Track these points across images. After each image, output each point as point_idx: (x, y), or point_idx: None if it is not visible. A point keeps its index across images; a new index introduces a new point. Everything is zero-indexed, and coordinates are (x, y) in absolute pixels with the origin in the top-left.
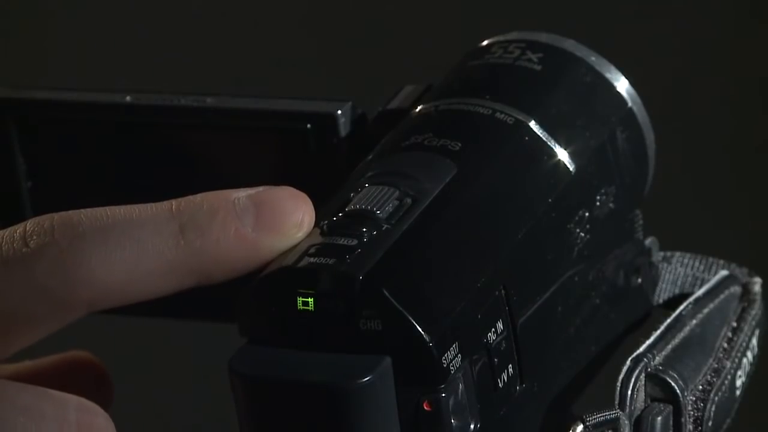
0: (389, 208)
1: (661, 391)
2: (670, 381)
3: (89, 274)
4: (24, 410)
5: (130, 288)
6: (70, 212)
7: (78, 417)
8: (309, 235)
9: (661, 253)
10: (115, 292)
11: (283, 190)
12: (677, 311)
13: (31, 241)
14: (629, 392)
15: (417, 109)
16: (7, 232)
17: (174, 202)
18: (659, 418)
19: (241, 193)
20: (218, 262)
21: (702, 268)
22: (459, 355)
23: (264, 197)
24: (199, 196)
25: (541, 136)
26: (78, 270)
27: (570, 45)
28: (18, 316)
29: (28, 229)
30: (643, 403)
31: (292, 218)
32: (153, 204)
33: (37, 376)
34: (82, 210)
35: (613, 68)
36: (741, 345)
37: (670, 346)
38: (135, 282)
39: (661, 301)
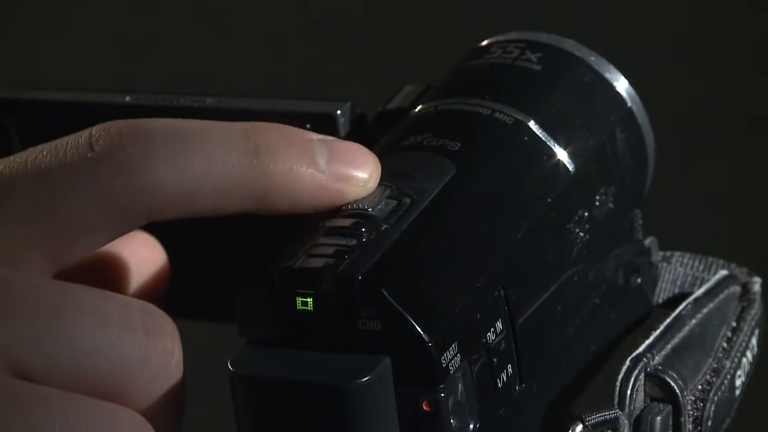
0: (388, 208)
1: (661, 391)
2: (670, 381)
3: (154, 183)
4: (89, 311)
5: (193, 201)
6: (140, 120)
7: (144, 318)
8: (308, 234)
9: (661, 253)
10: (178, 204)
11: (355, 145)
12: (677, 311)
13: (97, 146)
14: (629, 392)
15: (416, 109)
16: (72, 137)
17: (249, 124)
18: (659, 418)
19: (315, 135)
20: (285, 192)
21: (701, 267)
22: (458, 355)
23: (338, 145)
24: (274, 124)
25: (540, 136)
26: (143, 177)
27: (569, 45)
28: (80, 221)
29: (94, 133)
30: (642, 403)
31: (361, 171)
32: (227, 122)
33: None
34: (153, 119)
35: (612, 68)
36: (740, 345)
37: (669, 346)
38: (199, 195)
39: (660, 300)
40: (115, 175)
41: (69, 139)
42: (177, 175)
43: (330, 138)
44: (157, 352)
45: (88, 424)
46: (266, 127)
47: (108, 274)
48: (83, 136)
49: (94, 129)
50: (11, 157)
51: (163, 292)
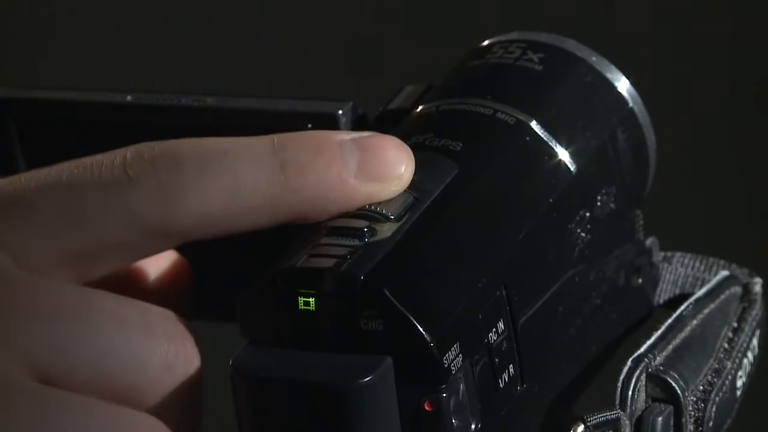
0: (390, 208)
1: (662, 392)
2: (671, 381)
3: (185, 206)
4: (110, 316)
5: (223, 222)
6: (171, 142)
7: (164, 325)
8: (310, 234)
9: (662, 254)
10: (208, 225)
11: (389, 140)
12: (678, 311)
13: (131, 170)
14: (630, 392)
15: (418, 109)
16: (107, 157)
17: (276, 137)
18: (660, 419)
19: (346, 136)
20: (316, 203)
21: (702, 268)
22: (460, 355)
23: (369, 143)
24: (302, 133)
25: (542, 136)
26: (174, 201)
27: (571, 45)
28: (109, 239)
29: (128, 157)
30: (643, 404)
31: (395, 169)
32: (254, 138)
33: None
34: (183, 140)
35: (613, 68)
36: (741, 345)
37: (670, 347)
38: (230, 215)
39: (661, 301)
40: (146, 200)
41: (104, 159)
42: (206, 198)
43: (362, 134)
44: (177, 358)
45: (108, 430)
46: (293, 138)
47: (129, 280)
48: (118, 157)
49: (129, 151)
50: (45, 169)
51: (187, 299)
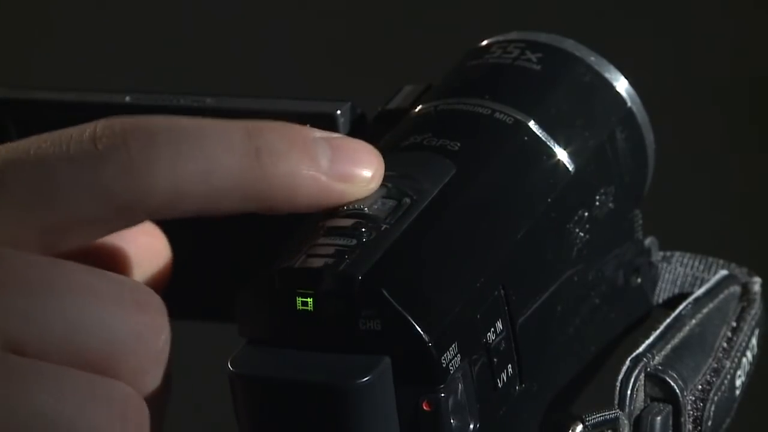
0: (388, 208)
1: (661, 391)
2: (670, 381)
3: (155, 183)
4: (81, 287)
5: (193, 201)
6: (144, 117)
7: (135, 296)
8: (308, 234)
9: (661, 253)
10: (177, 204)
11: (360, 143)
12: (677, 311)
13: (100, 143)
14: (629, 392)
15: (416, 109)
16: (75, 130)
17: (251, 123)
18: (659, 418)
19: (319, 134)
20: (286, 194)
21: (702, 267)
22: (458, 355)
23: (340, 143)
24: (278, 123)
25: (540, 136)
26: (145, 178)
27: (569, 45)
28: (78, 214)
29: (98, 131)
30: (642, 403)
31: (364, 170)
32: (228, 121)
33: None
34: (157, 116)
35: (612, 68)
36: (740, 345)
37: (669, 346)
38: (199, 196)
39: (660, 300)
40: (116, 174)
41: (73, 132)
42: (177, 176)
43: (333, 135)
44: (147, 329)
45: (82, 398)
46: (268, 127)
47: (106, 257)
48: (87, 131)
49: (98, 125)
50: (14, 143)
51: (164, 282)
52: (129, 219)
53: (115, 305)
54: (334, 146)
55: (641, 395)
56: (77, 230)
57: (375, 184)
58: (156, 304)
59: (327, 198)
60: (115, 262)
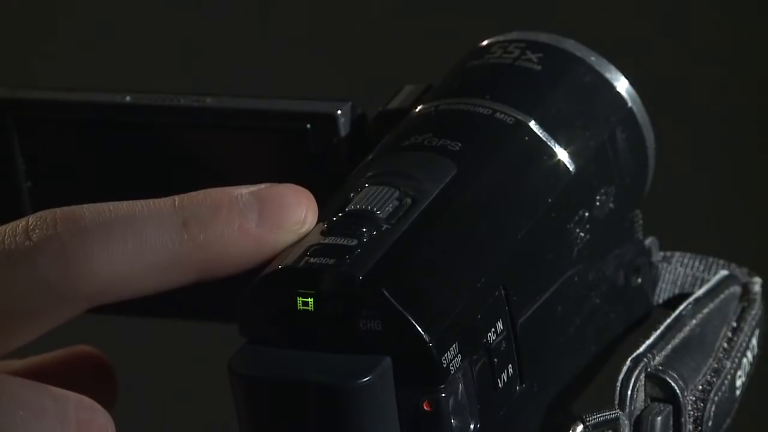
0: (389, 208)
1: (661, 391)
2: (670, 381)
3: (91, 268)
4: (24, 406)
5: (131, 283)
6: (73, 207)
7: (78, 414)
8: (309, 234)
9: (661, 253)
10: (116, 287)
11: (286, 187)
12: (677, 311)
13: (34, 235)
14: (629, 392)
15: (417, 109)
16: (9, 226)
17: (177, 198)
18: (659, 418)
19: (244, 190)
20: (221, 257)
21: (702, 268)
22: (459, 355)
23: (267, 193)
24: (201, 192)
25: (540, 136)
26: (80, 264)
27: (570, 45)
28: (19, 310)
29: (30, 223)
30: (642, 403)
31: (295, 214)
32: (155, 199)
33: (41, 372)
34: (85, 205)
35: (613, 68)
36: (741, 345)
37: (670, 346)
38: (137, 276)
39: (661, 301)
40: (51, 263)
41: (7, 228)
42: (111, 260)
43: (259, 187)
44: None
45: None
46: (192, 197)
47: (50, 365)
48: (21, 224)
49: (31, 218)
50: None
51: (112, 389)
52: (71, 308)
53: (57, 423)
54: (260, 198)
55: (641, 395)
56: (23, 325)
57: (310, 223)
58: (99, 420)
59: (263, 250)
60: (60, 371)
